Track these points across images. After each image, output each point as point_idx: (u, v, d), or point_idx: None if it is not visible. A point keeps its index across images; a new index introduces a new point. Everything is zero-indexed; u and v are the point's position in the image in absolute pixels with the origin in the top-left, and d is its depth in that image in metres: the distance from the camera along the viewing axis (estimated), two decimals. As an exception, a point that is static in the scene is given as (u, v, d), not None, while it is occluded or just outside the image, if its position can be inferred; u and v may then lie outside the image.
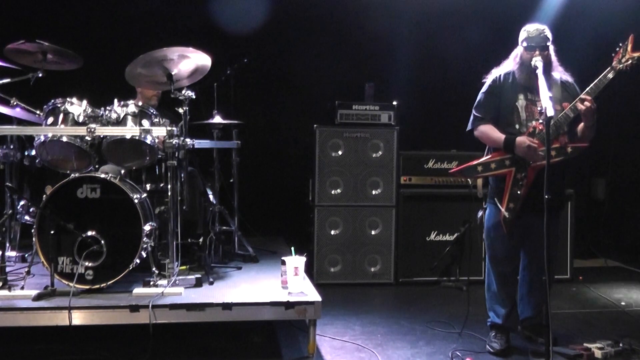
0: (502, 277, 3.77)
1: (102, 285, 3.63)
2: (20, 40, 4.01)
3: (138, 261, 3.72)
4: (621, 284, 5.50)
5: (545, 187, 2.98)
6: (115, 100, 3.96)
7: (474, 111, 3.73)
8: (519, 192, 3.55)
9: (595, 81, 3.40)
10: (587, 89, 3.42)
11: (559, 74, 3.65)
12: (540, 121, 3.46)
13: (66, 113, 3.85)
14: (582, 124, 3.53)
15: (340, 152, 5.33)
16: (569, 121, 3.48)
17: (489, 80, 3.74)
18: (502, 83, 3.67)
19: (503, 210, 3.58)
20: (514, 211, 3.56)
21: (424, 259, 5.38)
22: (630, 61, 3.35)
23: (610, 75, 3.38)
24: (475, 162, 3.68)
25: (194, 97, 4.07)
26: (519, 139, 3.52)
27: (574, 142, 3.54)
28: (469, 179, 4.96)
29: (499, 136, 3.59)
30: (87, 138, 3.82)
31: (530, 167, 3.52)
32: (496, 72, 3.73)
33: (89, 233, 3.63)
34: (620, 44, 3.38)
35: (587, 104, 3.38)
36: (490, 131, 3.64)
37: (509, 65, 3.70)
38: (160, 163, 4.22)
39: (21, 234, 4.44)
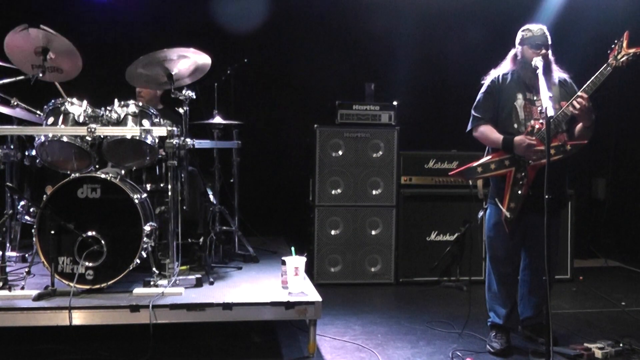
0: (502, 277, 3.77)
1: (102, 285, 3.63)
2: (22, 25, 3.93)
3: (138, 261, 3.72)
4: (621, 284, 5.51)
5: (545, 187, 2.98)
6: (116, 100, 3.96)
7: (473, 111, 3.74)
8: (519, 192, 3.55)
9: (592, 78, 3.41)
10: (585, 86, 3.42)
11: (557, 73, 3.66)
12: (540, 120, 3.47)
13: (66, 113, 3.85)
14: (580, 124, 3.54)
15: (340, 152, 5.33)
16: (567, 119, 3.49)
17: (487, 80, 3.75)
18: (501, 83, 3.68)
19: (504, 210, 3.58)
20: (515, 211, 3.56)
21: (425, 259, 5.38)
22: (626, 57, 3.35)
23: (607, 72, 3.38)
24: (474, 164, 3.68)
25: (194, 97, 4.07)
26: (517, 138, 3.52)
27: (572, 140, 3.54)
28: (469, 180, 4.97)
29: (497, 137, 3.60)
30: (88, 138, 3.81)
31: (529, 166, 3.52)
32: (495, 73, 3.74)
33: (90, 233, 3.62)
34: (616, 41, 3.39)
35: (582, 102, 3.38)
36: (488, 132, 3.65)
37: (507, 65, 3.72)
38: (160, 163, 4.22)
39: (21, 234, 4.45)
